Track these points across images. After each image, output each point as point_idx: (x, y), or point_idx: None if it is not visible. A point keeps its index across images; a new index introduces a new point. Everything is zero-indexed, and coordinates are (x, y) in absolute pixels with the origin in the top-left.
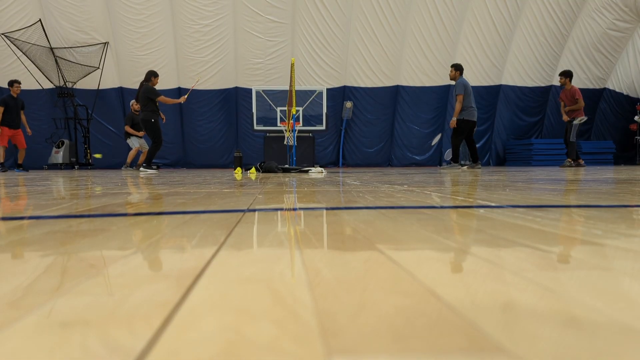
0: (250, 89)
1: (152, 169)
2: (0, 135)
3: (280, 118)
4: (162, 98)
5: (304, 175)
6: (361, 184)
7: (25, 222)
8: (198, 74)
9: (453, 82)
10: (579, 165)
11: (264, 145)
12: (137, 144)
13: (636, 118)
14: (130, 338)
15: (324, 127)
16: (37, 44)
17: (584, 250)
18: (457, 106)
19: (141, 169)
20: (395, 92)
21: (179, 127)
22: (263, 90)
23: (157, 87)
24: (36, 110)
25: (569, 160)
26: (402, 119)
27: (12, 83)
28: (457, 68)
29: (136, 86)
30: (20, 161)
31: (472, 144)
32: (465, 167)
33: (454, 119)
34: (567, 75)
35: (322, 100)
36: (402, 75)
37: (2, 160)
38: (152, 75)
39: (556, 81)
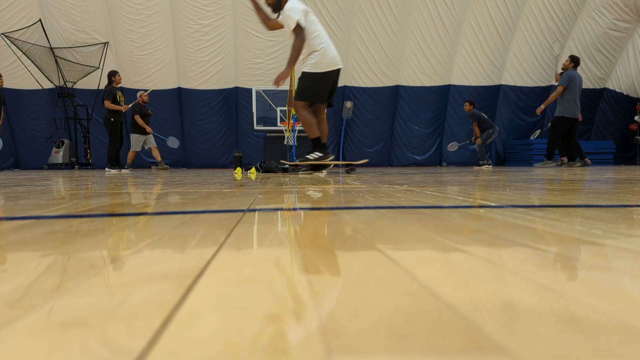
0: (250, 89)
1: (116, 169)
2: None
3: (280, 118)
4: (106, 103)
5: (304, 175)
6: (361, 183)
7: (25, 222)
8: (198, 74)
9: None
10: (562, 163)
11: (264, 145)
12: (137, 147)
13: (636, 118)
14: (130, 338)
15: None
16: (37, 44)
17: (584, 250)
18: (551, 96)
19: (106, 168)
20: (395, 92)
21: (179, 127)
22: (263, 90)
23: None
24: (36, 110)
25: (563, 159)
26: (402, 119)
27: None
28: (572, 60)
29: (136, 86)
30: None
31: (569, 142)
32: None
33: (542, 106)
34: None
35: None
36: (402, 75)
37: None
38: (111, 75)
39: (556, 81)
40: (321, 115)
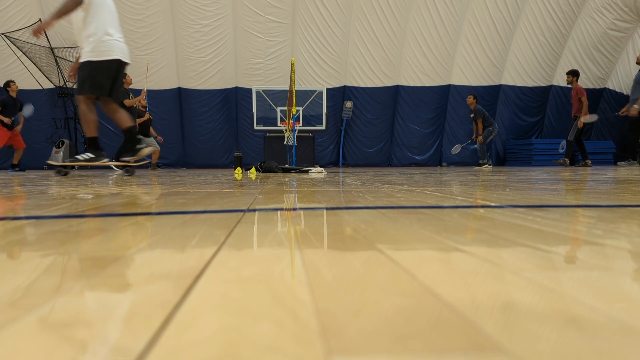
0: (250, 89)
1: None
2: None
3: (281, 118)
4: (126, 102)
5: (304, 175)
6: (361, 183)
7: (25, 222)
8: (198, 74)
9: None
10: (564, 164)
11: (264, 145)
12: None
13: None
14: (130, 338)
15: (324, 127)
16: (37, 44)
17: (584, 250)
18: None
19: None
20: (395, 92)
21: (179, 127)
22: (263, 90)
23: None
24: (36, 110)
25: (586, 161)
26: (402, 119)
27: (9, 83)
28: None
29: (136, 86)
30: (15, 161)
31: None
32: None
33: (636, 106)
34: (574, 74)
35: (322, 100)
36: (402, 75)
37: None
38: None
39: (556, 81)
40: (109, 105)
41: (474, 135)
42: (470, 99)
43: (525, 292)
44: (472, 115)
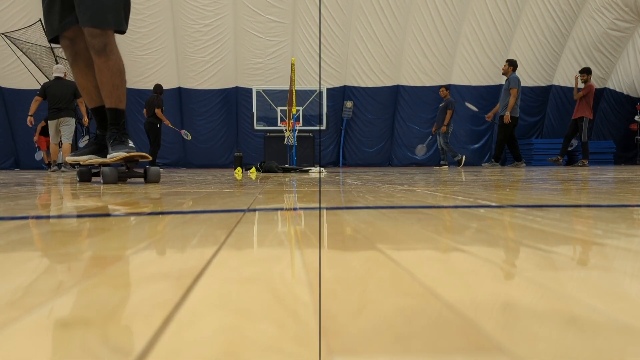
0: (251, 89)
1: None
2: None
3: (281, 118)
4: (158, 112)
5: (304, 175)
6: (361, 183)
7: (25, 222)
8: (198, 74)
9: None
10: (583, 165)
11: (264, 145)
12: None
13: (636, 118)
14: (130, 338)
15: (324, 127)
16: (37, 44)
17: (584, 250)
18: (511, 101)
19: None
20: (396, 92)
21: (179, 127)
22: (263, 90)
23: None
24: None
25: (583, 160)
26: (402, 119)
27: None
28: (511, 64)
29: (136, 86)
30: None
31: (514, 141)
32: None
33: (508, 113)
34: (589, 72)
35: (322, 100)
36: (402, 75)
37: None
38: (161, 89)
39: (556, 81)
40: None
41: (434, 128)
42: (443, 91)
43: (525, 292)
44: (441, 105)
